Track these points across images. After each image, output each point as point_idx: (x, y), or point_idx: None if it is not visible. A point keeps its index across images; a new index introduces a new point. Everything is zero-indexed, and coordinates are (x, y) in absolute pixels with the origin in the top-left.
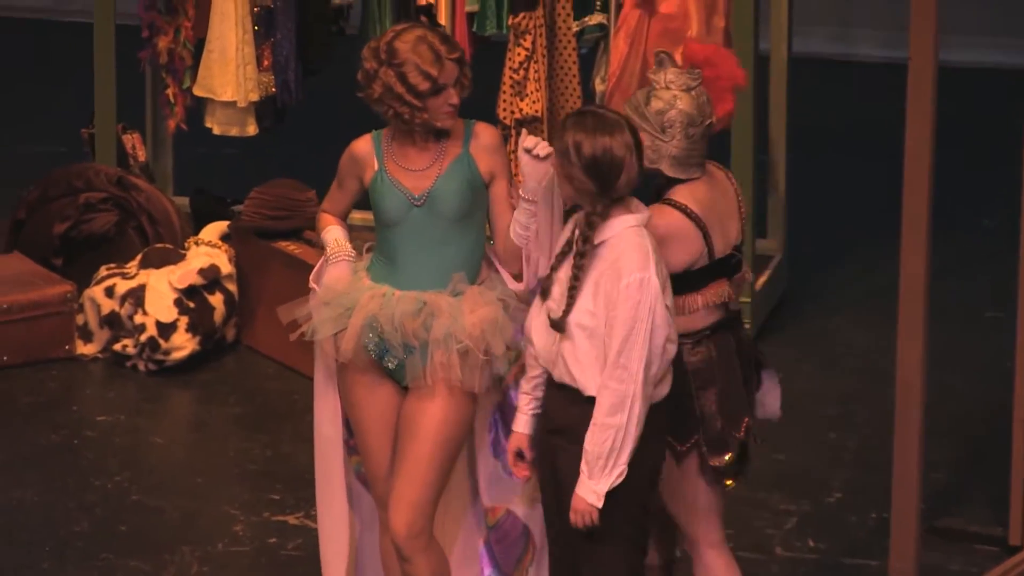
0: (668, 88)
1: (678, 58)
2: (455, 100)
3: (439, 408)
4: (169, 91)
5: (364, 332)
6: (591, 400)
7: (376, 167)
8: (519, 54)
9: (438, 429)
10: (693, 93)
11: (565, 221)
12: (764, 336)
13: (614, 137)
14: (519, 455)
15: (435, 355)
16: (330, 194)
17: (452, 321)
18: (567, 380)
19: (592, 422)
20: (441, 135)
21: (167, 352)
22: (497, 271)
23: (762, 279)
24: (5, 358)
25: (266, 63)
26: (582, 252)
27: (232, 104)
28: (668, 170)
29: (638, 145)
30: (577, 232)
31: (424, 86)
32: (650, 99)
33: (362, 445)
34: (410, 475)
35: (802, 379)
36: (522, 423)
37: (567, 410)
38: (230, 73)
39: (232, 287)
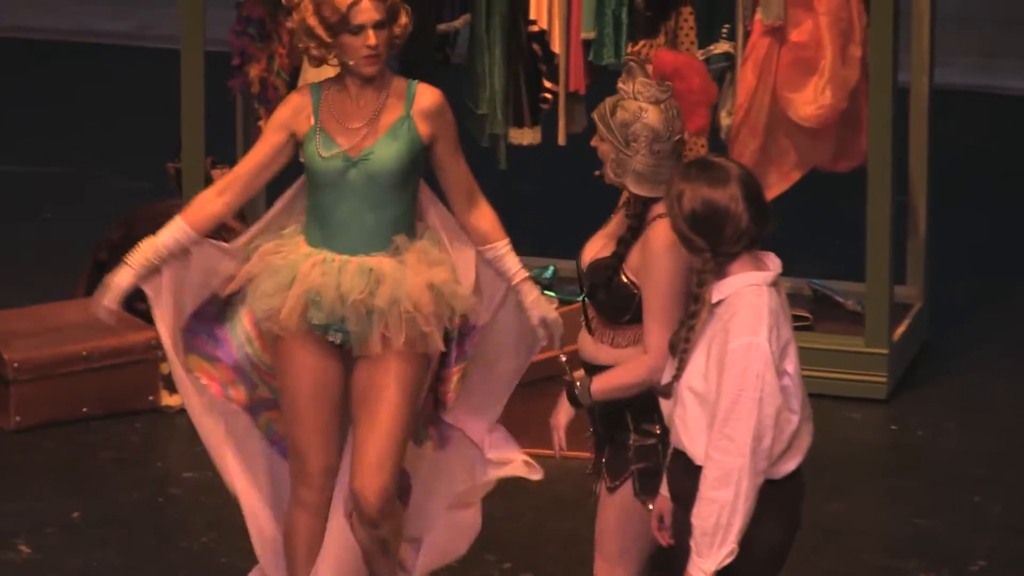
0: (635, 99)
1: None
2: (372, 41)
3: (391, 373)
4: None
5: (309, 307)
6: (700, 470)
7: (312, 122)
8: None
9: (394, 393)
10: (661, 106)
11: None
12: (903, 390)
13: (715, 188)
14: (661, 520)
15: (381, 323)
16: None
17: (396, 286)
18: (680, 446)
19: (699, 495)
20: (380, 91)
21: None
22: (430, 226)
23: (900, 329)
24: (85, 409)
25: None
26: (693, 312)
27: None
28: (632, 186)
29: (750, 196)
30: (691, 292)
31: (334, 19)
32: (616, 109)
33: (292, 415)
34: (373, 441)
35: (944, 437)
36: (666, 486)
37: (681, 478)
38: None
39: None
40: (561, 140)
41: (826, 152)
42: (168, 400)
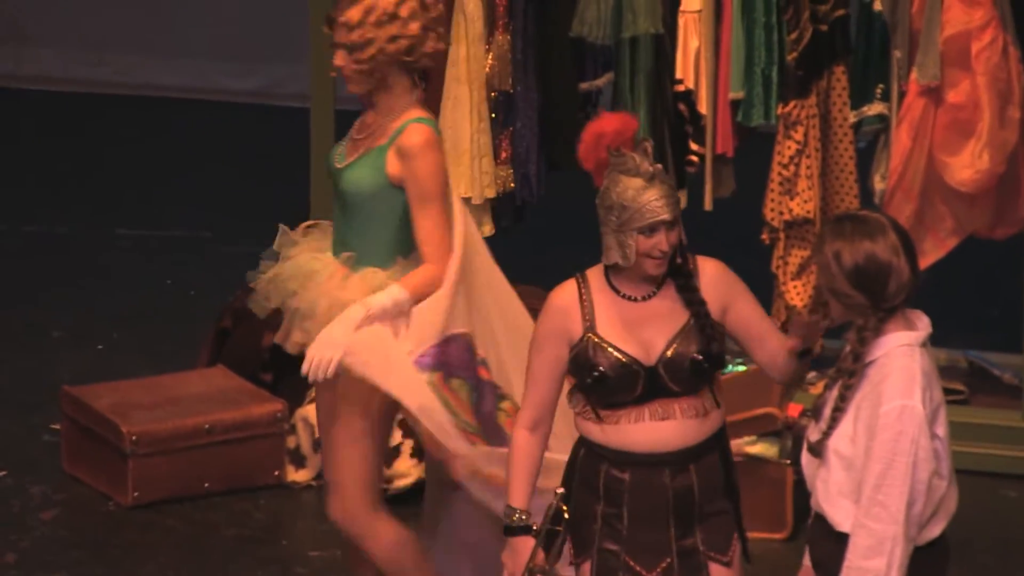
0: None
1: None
2: (337, 62)
3: (337, 388)
4: None
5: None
6: (842, 536)
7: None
8: (789, 147)
9: (333, 408)
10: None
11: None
12: None
13: (876, 241)
14: None
15: (297, 322)
16: None
17: (315, 292)
18: (819, 510)
19: (847, 564)
20: (387, 114)
21: (389, 480)
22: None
23: None
24: (207, 485)
25: (504, 155)
26: (851, 371)
27: (466, 201)
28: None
29: (907, 246)
30: (848, 348)
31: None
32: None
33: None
34: (327, 462)
35: None
36: (808, 555)
37: (822, 543)
38: (464, 166)
39: None
40: (708, 205)
41: (983, 218)
42: (294, 475)
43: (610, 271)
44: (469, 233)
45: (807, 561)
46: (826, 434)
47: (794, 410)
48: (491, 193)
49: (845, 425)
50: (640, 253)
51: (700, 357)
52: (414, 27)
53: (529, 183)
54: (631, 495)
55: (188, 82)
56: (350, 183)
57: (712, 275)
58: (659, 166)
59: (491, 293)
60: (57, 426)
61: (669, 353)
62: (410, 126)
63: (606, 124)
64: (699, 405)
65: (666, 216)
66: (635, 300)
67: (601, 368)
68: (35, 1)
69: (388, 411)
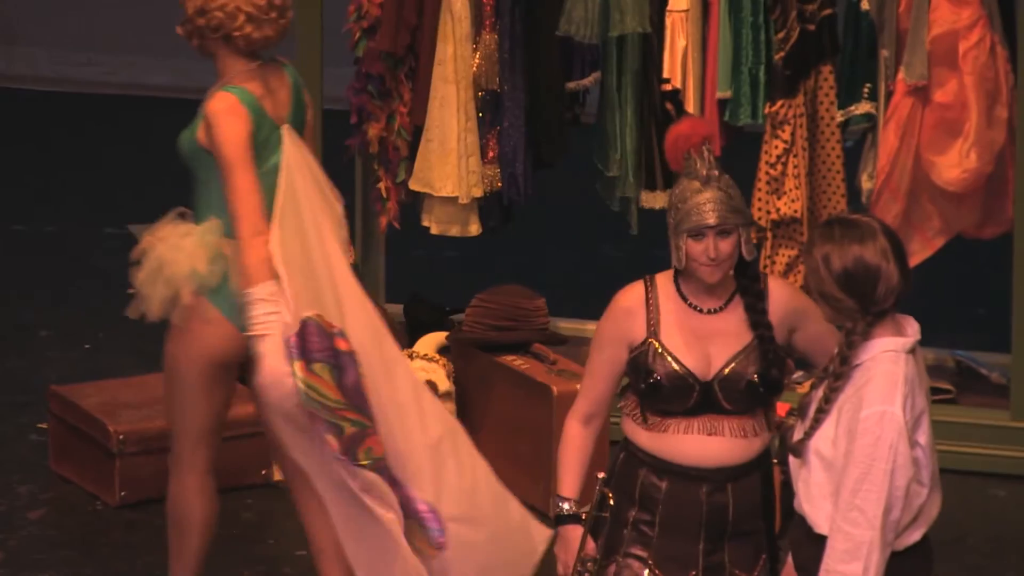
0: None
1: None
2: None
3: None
4: (381, 185)
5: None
6: (823, 539)
7: None
8: (776, 147)
9: (166, 373)
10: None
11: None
12: None
13: (865, 245)
14: None
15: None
16: None
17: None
18: (801, 511)
19: (824, 568)
20: (217, 80)
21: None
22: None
23: None
24: None
25: (491, 154)
26: (838, 374)
27: (453, 200)
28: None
29: (897, 251)
30: (836, 352)
31: None
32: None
33: None
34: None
35: None
36: (791, 556)
37: (804, 546)
38: (451, 165)
39: (450, 406)
40: None
41: (971, 217)
42: (281, 474)
43: (679, 278)
44: (295, 206)
45: (789, 559)
46: (807, 435)
47: (782, 409)
48: (478, 192)
49: (827, 427)
50: (690, 257)
51: (756, 379)
52: (222, 4)
53: (516, 182)
54: (665, 504)
55: (177, 81)
56: (179, 145)
57: (781, 298)
58: (716, 172)
59: (325, 264)
60: (44, 425)
61: (727, 371)
62: (216, 93)
63: (678, 129)
64: (748, 426)
65: (711, 221)
66: (702, 311)
67: (657, 376)
68: (25, 1)
69: (220, 375)
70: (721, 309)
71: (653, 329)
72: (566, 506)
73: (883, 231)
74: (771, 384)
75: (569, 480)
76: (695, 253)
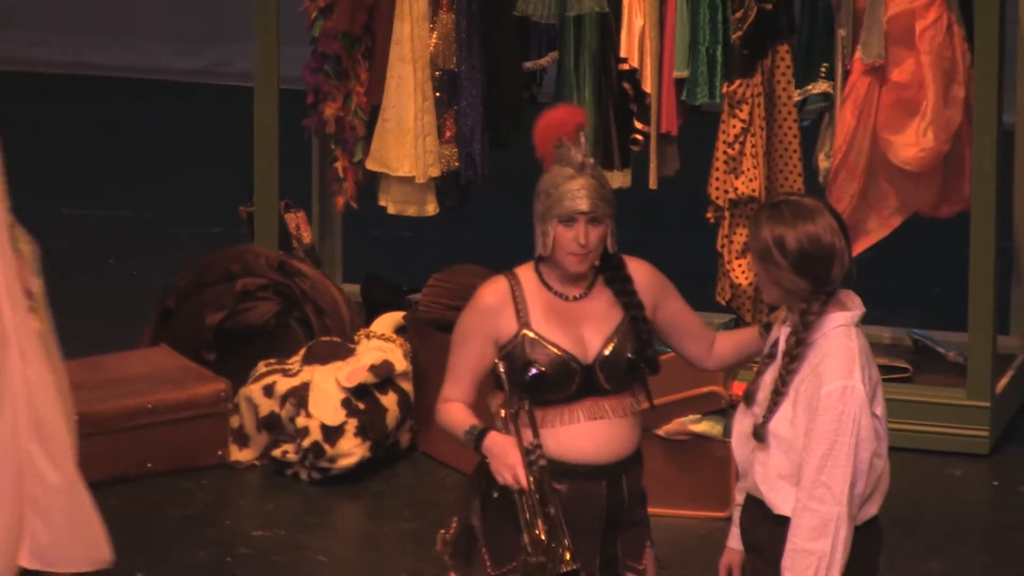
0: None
1: None
2: None
3: None
4: (338, 165)
5: None
6: (781, 519)
7: None
8: (734, 126)
9: None
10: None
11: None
12: (1006, 445)
13: (817, 223)
14: (730, 573)
15: None
16: None
17: None
18: (756, 493)
19: (790, 547)
20: None
21: (333, 459)
22: None
23: (1004, 380)
24: (150, 465)
25: (448, 134)
26: (794, 355)
27: (410, 180)
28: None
29: (843, 227)
30: (789, 332)
31: None
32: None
33: None
34: None
35: None
36: (734, 537)
37: (757, 527)
38: (407, 145)
39: (407, 386)
40: (652, 184)
41: (928, 196)
42: (237, 455)
43: (541, 268)
44: None
45: (732, 543)
46: (766, 418)
47: (739, 389)
48: (435, 172)
49: (784, 408)
50: (558, 244)
51: (635, 357)
52: None
53: (473, 162)
54: (566, 507)
55: (133, 62)
56: None
57: (644, 276)
58: (591, 159)
59: None
60: None
61: (607, 352)
62: None
63: (551, 115)
64: (627, 404)
65: (583, 207)
66: (567, 299)
67: (539, 365)
68: None
69: None
70: (586, 295)
71: (524, 320)
72: (478, 425)
73: (828, 209)
74: (650, 362)
75: (463, 416)
76: (564, 240)
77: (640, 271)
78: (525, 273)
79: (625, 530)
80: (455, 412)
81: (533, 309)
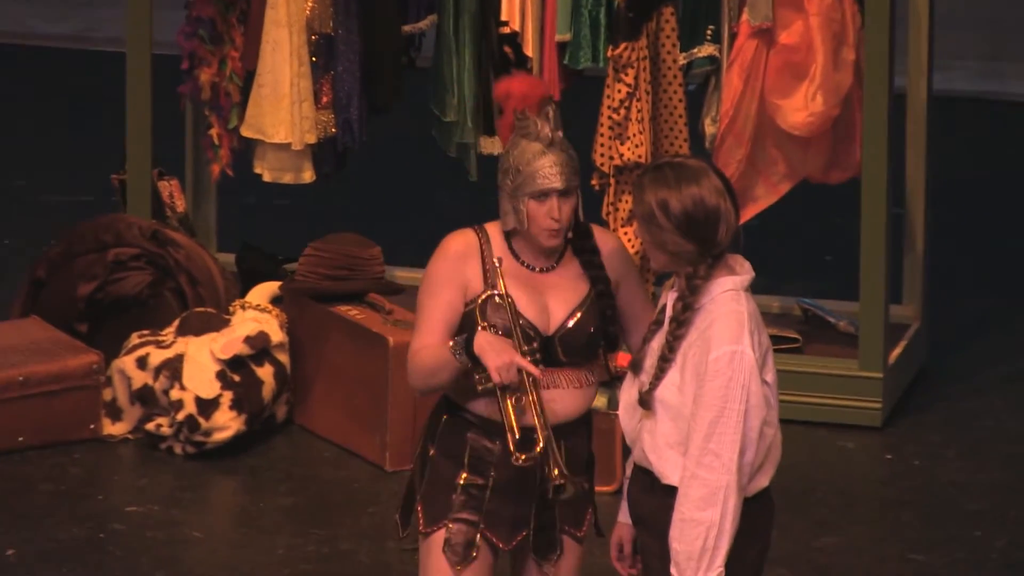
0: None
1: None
2: None
3: None
4: (213, 132)
5: None
6: (669, 489)
7: None
8: (620, 91)
9: None
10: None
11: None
12: (899, 417)
13: (701, 185)
14: (621, 549)
15: None
16: None
17: None
18: (644, 463)
19: (678, 517)
20: None
21: (208, 433)
22: None
23: (896, 351)
24: (21, 439)
25: (325, 100)
26: (681, 321)
27: (286, 147)
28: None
29: (729, 188)
30: (675, 298)
31: None
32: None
33: None
34: None
35: (943, 467)
36: (624, 511)
37: (645, 498)
38: (283, 111)
39: (284, 358)
40: None
41: (817, 162)
42: (110, 428)
43: (510, 236)
44: None
45: (624, 518)
46: (653, 385)
47: (623, 360)
48: (312, 139)
49: (672, 374)
50: (532, 220)
51: (596, 333)
52: None
53: (351, 128)
54: (499, 467)
55: (1, 26)
56: None
57: (612, 250)
58: (560, 133)
59: None
60: None
61: (570, 324)
62: None
63: (513, 86)
64: (583, 376)
65: (558, 184)
66: (534, 270)
67: (497, 329)
68: None
69: None
70: (553, 268)
71: (491, 281)
72: (458, 338)
73: (713, 170)
74: (610, 339)
75: (441, 346)
76: (537, 216)
77: (607, 244)
78: (494, 234)
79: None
80: (430, 350)
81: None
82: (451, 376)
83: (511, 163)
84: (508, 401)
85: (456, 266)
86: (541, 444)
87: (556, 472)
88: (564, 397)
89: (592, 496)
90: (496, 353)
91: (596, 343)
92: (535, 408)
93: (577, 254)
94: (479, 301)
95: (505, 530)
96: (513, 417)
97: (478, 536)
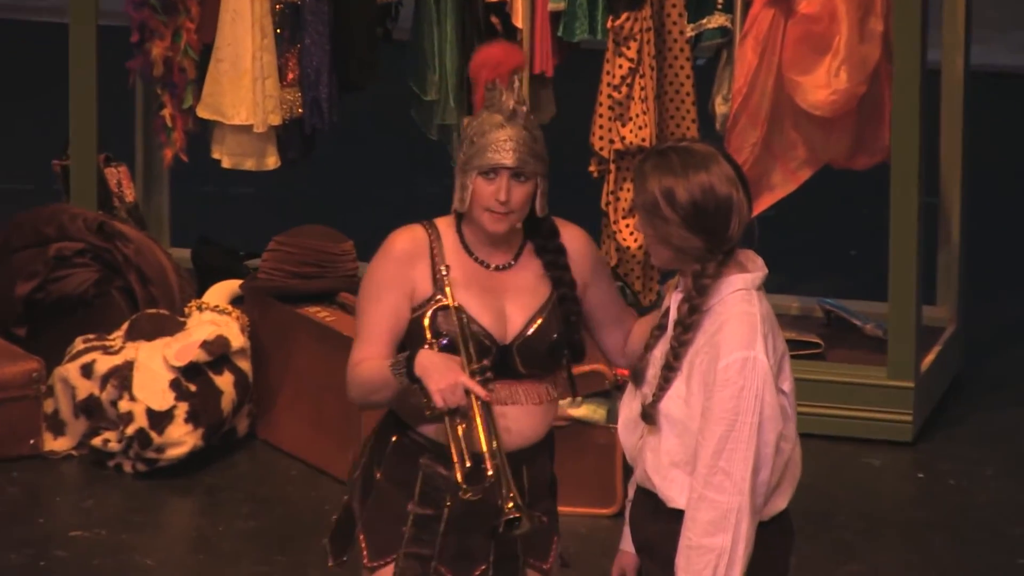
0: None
1: None
2: None
3: None
4: (165, 112)
5: None
6: (675, 513)
7: None
8: (621, 66)
9: None
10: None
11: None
12: (932, 431)
13: (711, 171)
14: None
15: None
16: None
17: None
18: (647, 484)
19: (684, 543)
20: None
21: (161, 448)
22: None
23: (930, 357)
24: None
25: (291, 76)
26: (687, 324)
27: (247, 129)
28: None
29: (741, 176)
30: (681, 299)
31: None
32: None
33: None
34: None
35: (981, 487)
36: (626, 538)
37: (648, 523)
38: (244, 89)
39: (245, 365)
40: None
41: (841, 146)
42: (52, 444)
43: (463, 226)
44: None
45: (626, 546)
46: (657, 396)
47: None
48: (276, 120)
49: (678, 385)
50: (476, 198)
51: (559, 341)
52: None
53: (319, 108)
54: (456, 497)
55: None
56: None
57: (579, 249)
58: (524, 107)
59: None
60: None
61: (530, 332)
62: None
63: (485, 54)
64: (543, 391)
65: (508, 161)
66: (490, 268)
67: (447, 338)
68: None
69: None
70: (511, 265)
71: (440, 284)
72: (401, 360)
73: (723, 155)
74: (575, 347)
75: (381, 361)
76: (483, 195)
77: (575, 242)
78: (446, 229)
79: None
80: (371, 363)
81: (452, 272)
82: (394, 395)
83: (467, 134)
84: (457, 427)
85: (401, 268)
86: (491, 473)
87: (511, 505)
88: (523, 416)
89: (557, 524)
90: (440, 374)
91: (559, 353)
92: (483, 433)
93: (540, 254)
94: (427, 312)
95: (462, 564)
96: (463, 444)
97: (432, 572)
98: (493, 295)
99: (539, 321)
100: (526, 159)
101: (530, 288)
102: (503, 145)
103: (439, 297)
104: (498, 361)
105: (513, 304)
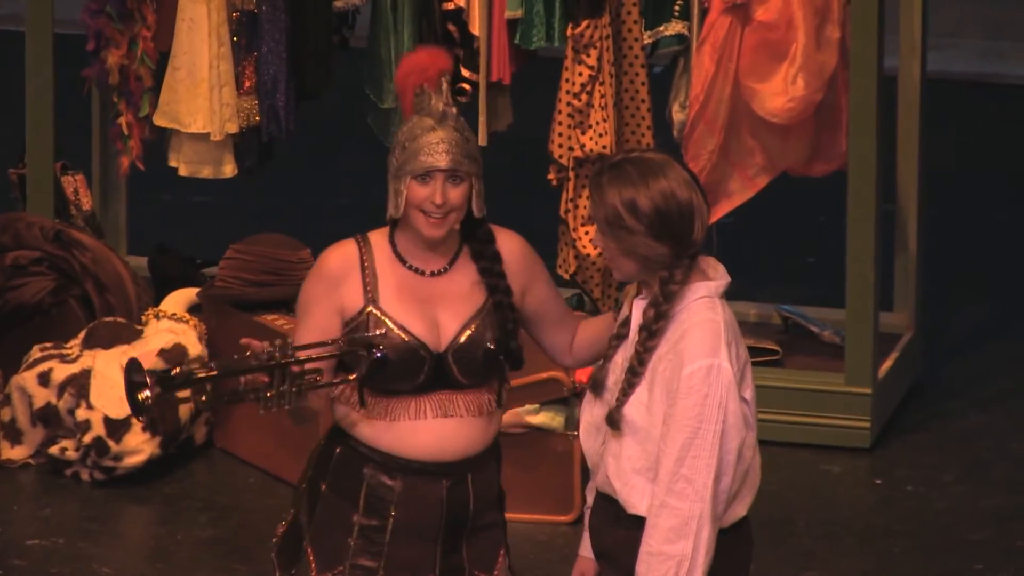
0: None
1: None
2: None
3: None
4: (122, 120)
5: None
6: (636, 520)
7: None
8: (581, 74)
9: None
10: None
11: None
12: (891, 437)
13: (669, 177)
14: None
15: None
16: None
17: None
18: (607, 490)
19: (645, 550)
20: None
21: (118, 457)
22: None
23: (887, 364)
24: None
25: (248, 84)
26: (653, 331)
27: (204, 137)
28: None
29: (696, 180)
30: (647, 304)
31: None
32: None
33: None
34: None
35: (940, 494)
36: (585, 544)
37: (609, 530)
38: (201, 97)
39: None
40: (482, 140)
41: (798, 153)
42: (9, 453)
43: (396, 237)
44: None
45: (585, 551)
46: (620, 401)
47: (583, 375)
48: (233, 128)
49: (640, 391)
50: (411, 204)
51: (495, 348)
52: None
53: (277, 116)
54: (400, 507)
55: None
56: None
57: (515, 255)
58: (454, 109)
59: None
60: None
61: (462, 339)
62: None
63: (411, 60)
64: (484, 401)
65: (442, 163)
66: (424, 274)
67: (382, 349)
68: None
69: None
70: (445, 270)
71: (371, 295)
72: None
73: (677, 161)
74: (511, 355)
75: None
76: (418, 199)
77: (511, 247)
78: (378, 241)
79: (473, 535)
80: None
81: (384, 284)
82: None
83: (398, 139)
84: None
85: (330, 287)
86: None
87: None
88: (462, 428)
89: (504, 535)
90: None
91: (496, 360)
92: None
93: (475, 259)
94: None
95: (407, 575)
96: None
97: None
98: (427, 303)
99: (472, 327)
100: (460, 160)
101: (464, 295)
102: (436, 147)
103: (369, 310)
104: (435, 371)
105: (446, 312)
